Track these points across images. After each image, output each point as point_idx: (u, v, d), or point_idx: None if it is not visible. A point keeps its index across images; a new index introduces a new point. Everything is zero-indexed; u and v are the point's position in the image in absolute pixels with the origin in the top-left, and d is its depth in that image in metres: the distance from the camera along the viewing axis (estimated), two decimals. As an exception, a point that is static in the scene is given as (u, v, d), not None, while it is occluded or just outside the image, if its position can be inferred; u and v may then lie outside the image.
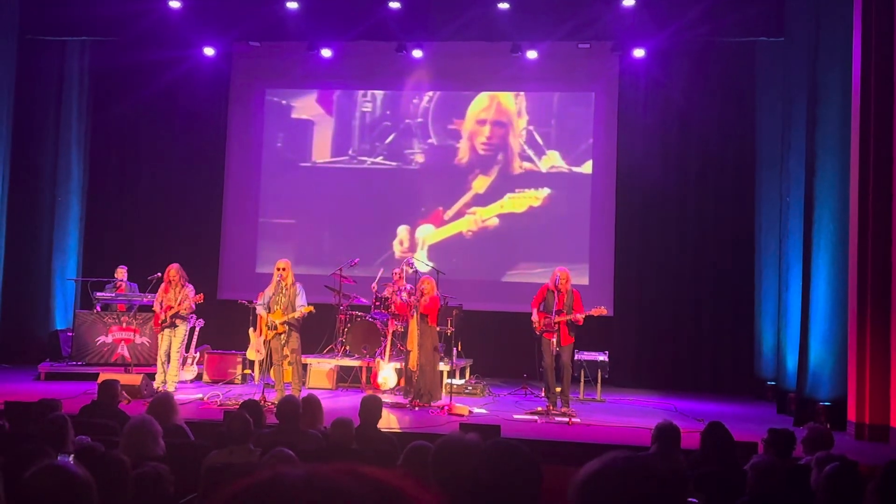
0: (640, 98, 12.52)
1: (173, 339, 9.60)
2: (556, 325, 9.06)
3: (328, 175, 13.33)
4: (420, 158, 13.28)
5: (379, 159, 13.28)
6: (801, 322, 9.24)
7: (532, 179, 12.92)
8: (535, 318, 9.20)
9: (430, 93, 13.24)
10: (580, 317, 9.04)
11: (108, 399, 6.54)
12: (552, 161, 12.90)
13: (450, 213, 13.12)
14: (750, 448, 6.04)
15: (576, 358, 9.94)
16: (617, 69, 12.65)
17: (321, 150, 13.42)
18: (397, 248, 13.06)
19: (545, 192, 12.91)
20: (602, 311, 9.24)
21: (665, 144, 12.45)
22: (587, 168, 12.82)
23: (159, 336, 9.68)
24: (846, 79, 8.72)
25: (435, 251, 12.91)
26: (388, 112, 13.36)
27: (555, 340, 9.07)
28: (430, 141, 13.28)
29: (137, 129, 13.40)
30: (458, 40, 12.35)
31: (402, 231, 13.19)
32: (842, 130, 8.79)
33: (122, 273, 11.52)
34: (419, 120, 13.32)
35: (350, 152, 13.36)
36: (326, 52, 12.68)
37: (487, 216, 13.07)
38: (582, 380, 10.41)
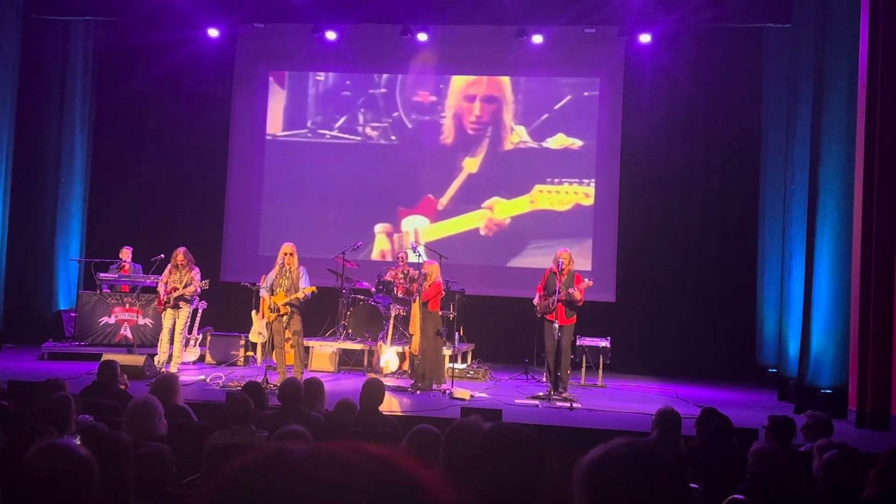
0: (645, 83, 12.47)
1: (177, 321, 9.67)
2: (554, 307, 9.03)
3: (333, 157, 13.29)
4: (394, 138, 13.22)
5: (354, 138, 13.25)
6: (803, 309, 9.24)
7: (531, 158, 12.86)
8: (535, 301, 9.18)
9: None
10: (574, 291, 8.96)
11: (108, 379, 6.57)
12: (554, 142, 12.86)
13: (444, 200, 13.01)
14: (751, 435, 6.06)
15: (577, 343, 9.97)
16: (623, 54, 12.59)
17: (326, 134, 13.38)
18: (378, 247, 13.03)
19: (591, 186, 12.67)
20: (588, 283, 9.14)
21: (670, 130, 12.41)
22: (589, 151, 12.77)
23: (162, 315, 9.75)
24: (853, 66, 8.67)
25: (437, 234, 12.88)
26: (382, 91, 13.31)
27: (556, 325, 9.06)
28: (395, 114, 13.15)
29: (141, 110, 13.38)
30: (463, 24, 12.31)
31: (380, 232, 13.05)
32: (848, 118, 8.75)
33: (126, 254, 11.54)
34: (382, 90, 13.24)
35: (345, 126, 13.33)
36: (331, 35, 12.62)
37: (512, 213, 12.87)
38: (584, 365, 10.43)
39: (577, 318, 9.26)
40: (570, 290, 8.95)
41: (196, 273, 9.69)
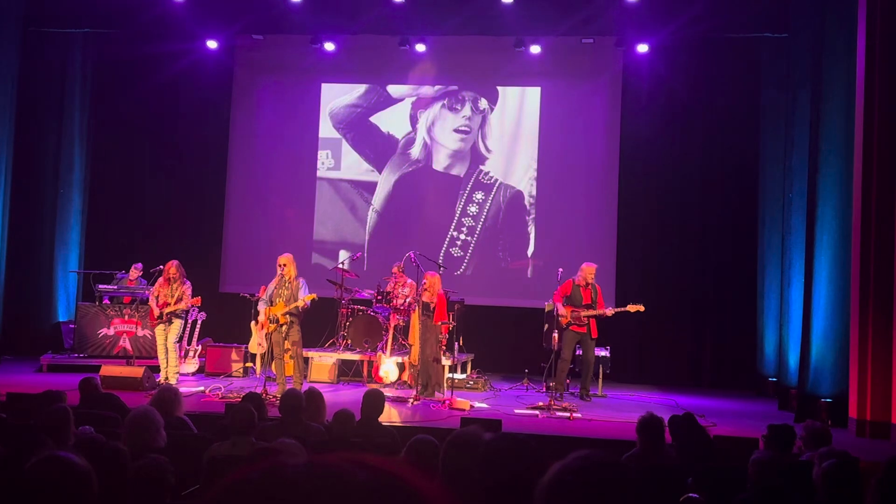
0: (643, 93, 12.49)
1: (168, 335, 9.58)
2: (586, 319, 9.48)
3: (333, 168, 13.31)
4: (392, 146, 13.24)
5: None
6: (802, 318, 9.23)
7: (538, 176, 12.87)
8: (562, 311, 9.49)
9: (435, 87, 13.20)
10: (611, 311, 9.58)
11: (90, 390, 6.57)
12: (552, 151, 12.86)
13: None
14: (751, 444, 6.05)
15: (577, 353, 9.99)
16: (621, 64, 12.61)
17: (327, 145, 13.39)
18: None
19: (589, 196, 12.74)
20: (640, 307, 9.66)
21: (668, 140, 12.42)
22: (587, 161, 12.77)
23: (156, 331, 9.69)
24: (850, 75, 8.70)
25: (435, 244, 12.87)
26: (390, 107, 13.32)
27: (585, 332, 9.58)
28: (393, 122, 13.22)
29: (140, 121, 13.38)
30: (461, 35, 12.34)
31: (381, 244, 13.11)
32: (845, 127, 8.76)
33: (135, 273, 11.50)
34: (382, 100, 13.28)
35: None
36: (329, 46, 12.66)
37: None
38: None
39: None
40: (607, 311, 9.59)
41: (188, 287, 9.62)
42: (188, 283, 9.68)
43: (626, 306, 9.68)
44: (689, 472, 4.63)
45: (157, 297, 9.59)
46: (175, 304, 9.51)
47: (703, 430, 5.48)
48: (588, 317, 9.53)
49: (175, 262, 9.69)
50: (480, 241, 12.91)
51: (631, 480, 1.60)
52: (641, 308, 9.62)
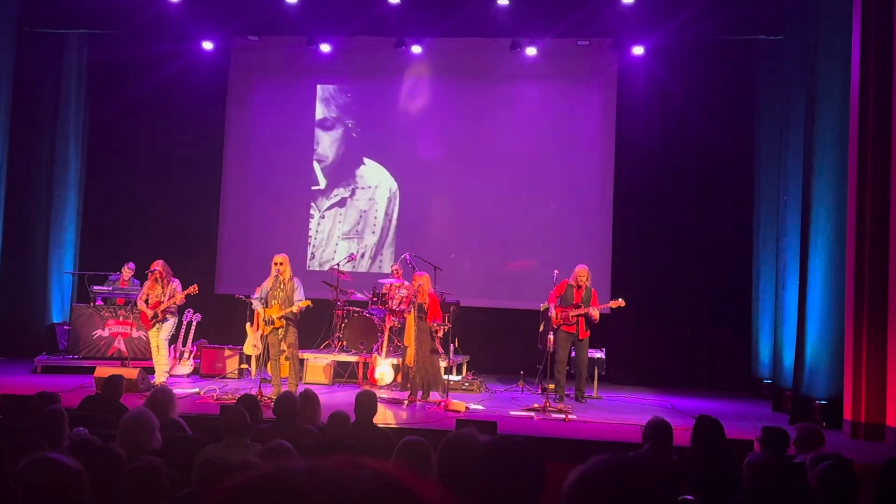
0: (638, 95, 12.50)
1: (160, 333, 9.51)
2: (575, 319, 9.60)
3: (328, 167, 13.30)
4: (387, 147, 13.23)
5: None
6: (797, 320, 9.23)
7: (533, 178, 12.86)
8: (552, 312, 9.61)
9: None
10: (595, 311, 9.59)
11: (112, 395, 6.55)
12: (547, 153, 12.86)
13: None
14: (746, 446, 6.05)
15: (573, 354, 9.99)
16: (616, 66, 12.63)
17: (323, 146, 13.39)
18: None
19: (585, 197, 12.72)
20: (620, 302, 9.88)
21: (664, 142, 12.44)
22: (582, 162, 12.77)
23: (150, 333, 9.62)
24: (845, 77, 8.71)
25: (431, 246, 12.86)
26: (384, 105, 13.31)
27: (574, 332, 9.64)
28: (388, 125, 13.20)
29: (135, 122, 13.37)
30: (457, 36, 12.34)
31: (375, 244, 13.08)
32: (840, 129, 8.77)
33: (128, 273, 11.45)
34: (376, 101, 13.27)
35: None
36: (325, 47, 12.65)
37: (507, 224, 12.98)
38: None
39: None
40: (592, 310, 9.61)
41: (177, 284, 9.55)
42: (176, 280, 9.62)
43: (608, 303, 9.97)
44: (686, 473, 4.63)
45: (146, 300, 9.52)
46: (168, 300, 9.46)
47: (726, 441, 5.44)
48: (576, 316, 9.54)
49: (161, 262, 9.62)
50: (476, 243, 12.90)
51: (655, 485, 1.60)
52: (622, 303, 9.94)
